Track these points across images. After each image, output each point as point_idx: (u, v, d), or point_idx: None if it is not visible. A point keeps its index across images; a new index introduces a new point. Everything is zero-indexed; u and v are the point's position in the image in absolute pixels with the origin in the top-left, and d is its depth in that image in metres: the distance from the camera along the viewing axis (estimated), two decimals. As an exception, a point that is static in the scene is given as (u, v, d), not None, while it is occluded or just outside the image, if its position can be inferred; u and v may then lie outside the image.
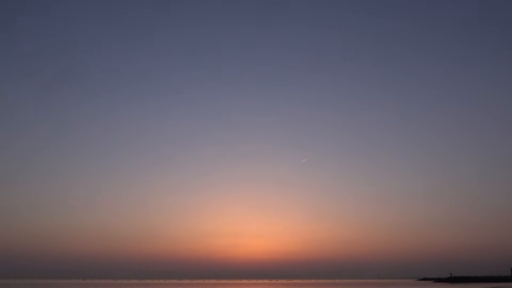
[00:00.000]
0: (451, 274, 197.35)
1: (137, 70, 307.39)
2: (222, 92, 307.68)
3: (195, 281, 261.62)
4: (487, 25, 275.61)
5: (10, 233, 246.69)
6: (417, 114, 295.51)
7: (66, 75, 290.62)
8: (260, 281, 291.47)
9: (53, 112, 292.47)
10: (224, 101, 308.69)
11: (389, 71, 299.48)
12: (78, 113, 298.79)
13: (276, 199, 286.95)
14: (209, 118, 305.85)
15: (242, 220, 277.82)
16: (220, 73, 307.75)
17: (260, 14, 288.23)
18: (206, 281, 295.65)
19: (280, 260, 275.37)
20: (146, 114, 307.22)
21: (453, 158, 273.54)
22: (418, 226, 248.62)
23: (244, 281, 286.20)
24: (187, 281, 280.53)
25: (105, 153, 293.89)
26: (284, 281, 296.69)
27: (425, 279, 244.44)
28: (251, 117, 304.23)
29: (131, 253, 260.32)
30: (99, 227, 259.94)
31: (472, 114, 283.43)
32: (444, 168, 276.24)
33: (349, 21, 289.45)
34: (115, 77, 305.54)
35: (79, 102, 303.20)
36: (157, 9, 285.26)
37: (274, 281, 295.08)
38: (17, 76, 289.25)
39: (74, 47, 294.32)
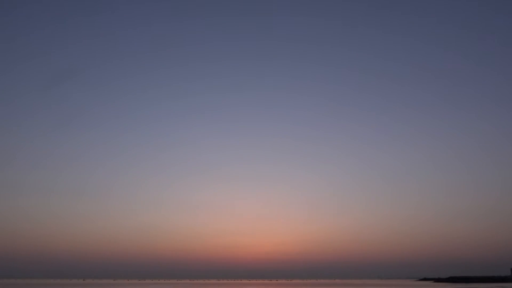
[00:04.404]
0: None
1: (149, 74, 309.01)
2: (227, 93, 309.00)
3: (195, 281, 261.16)
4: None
5: (10, 234, 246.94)
6: (418, 113, 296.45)
7: (68, 72, 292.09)
8: (260, 281, 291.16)
9: (56, 113, 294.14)
10: (226, 103, 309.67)
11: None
12: (85, 114, 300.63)
13: (276, 200, 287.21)
14: (212, 120, 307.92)
15: (242, 220, 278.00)
16: (222, 72, 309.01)
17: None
18: (206, 281, 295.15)
19: (280, 260, 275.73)
20: (153, 116, 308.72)
21: (469, 158, 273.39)
22: (417, 226, 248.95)
23: (244, 281, 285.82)
24: (187, 281, 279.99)
25: (105, 155, 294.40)
26: (284, 281, 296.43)
27: (425, 279, 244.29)
28: (252, 118, 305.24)
29: (131, 253, 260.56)
30: (99, 228, 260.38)
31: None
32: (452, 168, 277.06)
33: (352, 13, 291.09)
34: (124, 82, 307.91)
35: (83, 102, 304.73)
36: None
37: (274, 281, 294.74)
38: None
39: (77, 42, 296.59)
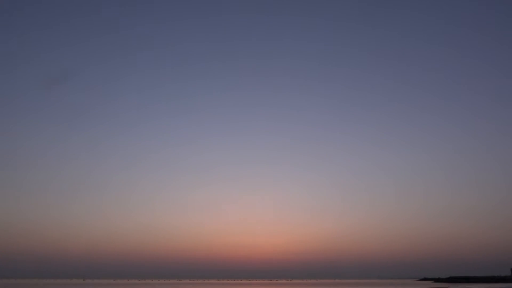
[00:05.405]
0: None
1: (147, 76, 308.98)
2: (226, 92, 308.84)
3: (195, 281, 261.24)
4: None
5: (9, 234, 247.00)
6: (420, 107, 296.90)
7: (67, 72, 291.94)
8: (260, 281, 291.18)
9: (53, 113, 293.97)
10: (226, 103, 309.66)
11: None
12: (82, 114, 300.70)
13: (276, 200, 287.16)
14: (211, 120, 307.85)
15: (242, 220, 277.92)
16: (220, 71, 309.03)
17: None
18: (206, 281, 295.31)
19: (280, 260, 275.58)
20: (156, 116, 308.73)
21: (471, 159, 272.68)
22: (417, 226, 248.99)
23: (244, 281, 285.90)
24: (187, 281, 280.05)
25: (108, 156, 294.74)
26: (284, 281, 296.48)
27: (425, 279, 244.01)
28: (253, 118, 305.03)
29: (131, 253, 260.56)
30: (99, 228, 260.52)
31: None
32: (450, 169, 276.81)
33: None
34: (122, 82, 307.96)
35: (82, 101, 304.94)
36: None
37: (274, 281, 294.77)
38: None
39: (76, 40, 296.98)
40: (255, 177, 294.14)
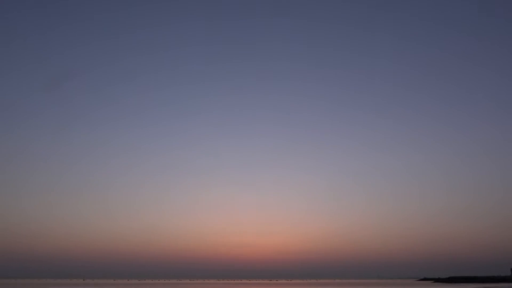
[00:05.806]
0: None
1: (151, 79, 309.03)
2: (228, 95, 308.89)
3: (195, 281, 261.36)
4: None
5: (10, 234, 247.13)
6: (420, 112, 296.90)
7: (70, 73, 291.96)
8: (260, 281, 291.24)
9: (56, 112, 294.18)
10: (228, 105, 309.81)
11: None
12: (86, 115, 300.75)
13: (277, 199, 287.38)
14: (214, 122, 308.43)
15: (242, 221, 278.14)
16: (223, 74, 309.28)
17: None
18: (206, 281, 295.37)
19: (280, 260, 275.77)
20: (160, 119, 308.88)
21: (469, 159, 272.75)
22: (417, 226, 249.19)
23: (244, 281, 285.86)
24: (187, 281, 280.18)
25: (110, 156, 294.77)
26: (284, 281, 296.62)
27: (425, 279, 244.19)
28: (253, 119, 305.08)
29: (131, 253, 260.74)
30: (100, 228, 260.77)
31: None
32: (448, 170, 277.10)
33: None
34: (126, 84, 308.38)
35: (86, 102, 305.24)
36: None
37: (274, 281, 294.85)
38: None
39: (79, 42, 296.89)
40: (256, 179, 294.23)
